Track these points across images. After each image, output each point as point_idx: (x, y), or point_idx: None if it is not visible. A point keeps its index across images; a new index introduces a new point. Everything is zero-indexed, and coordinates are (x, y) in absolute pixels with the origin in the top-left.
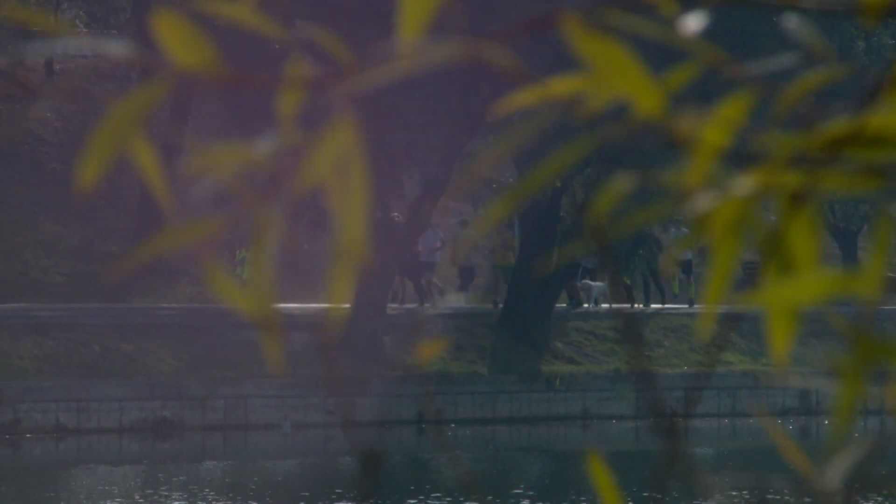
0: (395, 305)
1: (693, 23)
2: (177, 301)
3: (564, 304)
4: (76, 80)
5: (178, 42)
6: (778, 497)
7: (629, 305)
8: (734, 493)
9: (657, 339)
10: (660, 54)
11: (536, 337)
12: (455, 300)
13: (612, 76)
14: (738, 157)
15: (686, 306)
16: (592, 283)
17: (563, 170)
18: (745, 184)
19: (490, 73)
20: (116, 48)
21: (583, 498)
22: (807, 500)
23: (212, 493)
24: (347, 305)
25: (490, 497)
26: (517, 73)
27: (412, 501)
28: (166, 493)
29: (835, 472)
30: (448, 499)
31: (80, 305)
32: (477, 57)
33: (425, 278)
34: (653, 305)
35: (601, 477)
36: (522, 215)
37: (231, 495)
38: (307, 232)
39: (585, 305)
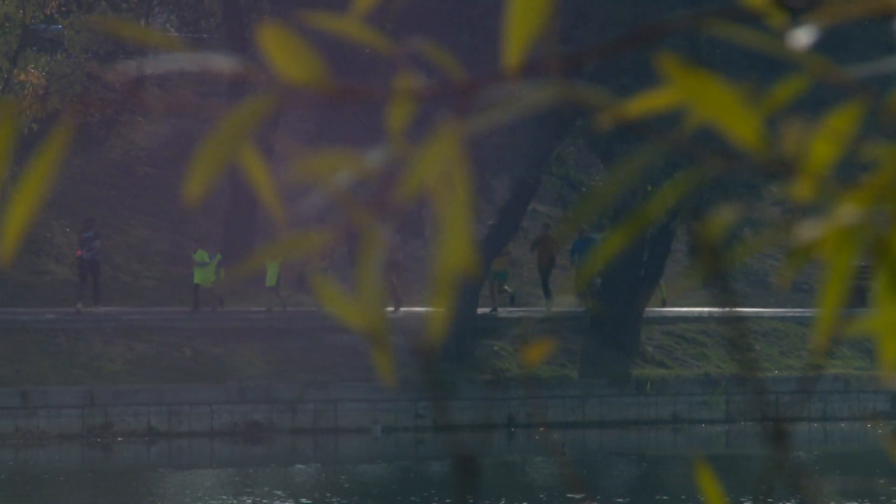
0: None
1: (803, 35)
2: (268, 305)
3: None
4: (168, 87)
5: (285, 55)
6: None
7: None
8: (842, 498)
9: (748, 342)
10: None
11: (626, 340)
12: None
13: (708, 110)
14: (847, 169)
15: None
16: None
17: (641, 175)
18: (852, 207)
19: (581, 77)
20: (222, 63)
21: (673, 501)
22: None
23: (302, 497)
24: (450, 313)
25: (593, 496)
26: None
27: None
28: (257, 497)
29: None
30: (543, 501)
31: (172, 309)
32: (574, 98)
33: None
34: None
35: (708, 483)
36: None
37: (321, 499)
38: (397, 236)
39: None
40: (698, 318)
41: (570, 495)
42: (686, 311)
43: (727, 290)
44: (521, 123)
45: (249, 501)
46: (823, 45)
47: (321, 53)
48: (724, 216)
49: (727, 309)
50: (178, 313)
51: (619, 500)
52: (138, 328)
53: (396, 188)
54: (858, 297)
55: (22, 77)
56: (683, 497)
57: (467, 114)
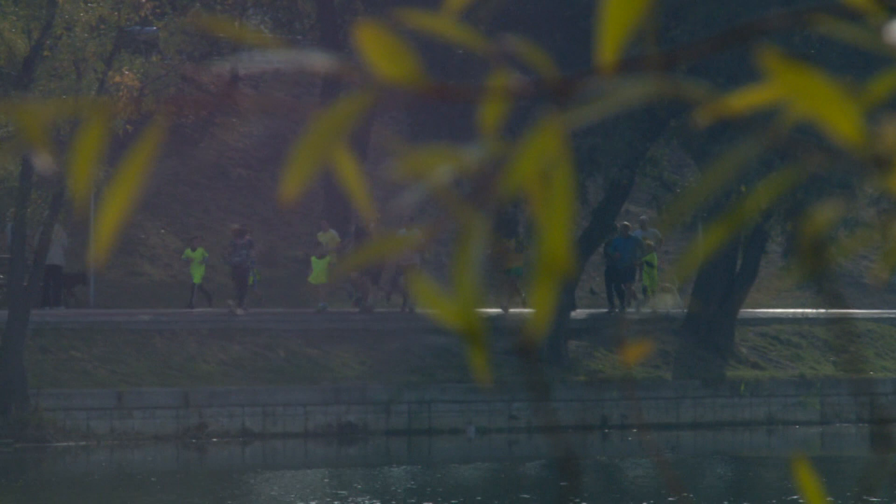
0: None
1: None
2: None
3: (605, 309)
4: (262, 87)
5: (381, 53)
6: None
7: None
8: None
9: (840, 344)
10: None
11: (720, 342)
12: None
13: (809, 105)
14: None
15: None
16: (665, 294)
17: (737, 174)
18: None
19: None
20: (317, 60)
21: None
22: None
23: (396, 498)
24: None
25: (689, 497)
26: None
27: None
28: (351, 498)
29: None
30: (639, 502)
31: (266, 310)
32: (673, 92)
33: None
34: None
35: (807, 481)
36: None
37: (415, 500)
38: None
39: (640, 310)
40: (793, 319)
41: (670, 498)
42: (780, 313)
43: (829, 291)
44: (615, 124)
45: (343, 503)
46: None
47: (416, 51)
48: (825, 214)
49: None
50: (271, 314)
51: (713, 501)
52: (233, 329)
53: (495, 185)
54: None
55: (116, 79)
56: (775, 501)
57: (565, 111)
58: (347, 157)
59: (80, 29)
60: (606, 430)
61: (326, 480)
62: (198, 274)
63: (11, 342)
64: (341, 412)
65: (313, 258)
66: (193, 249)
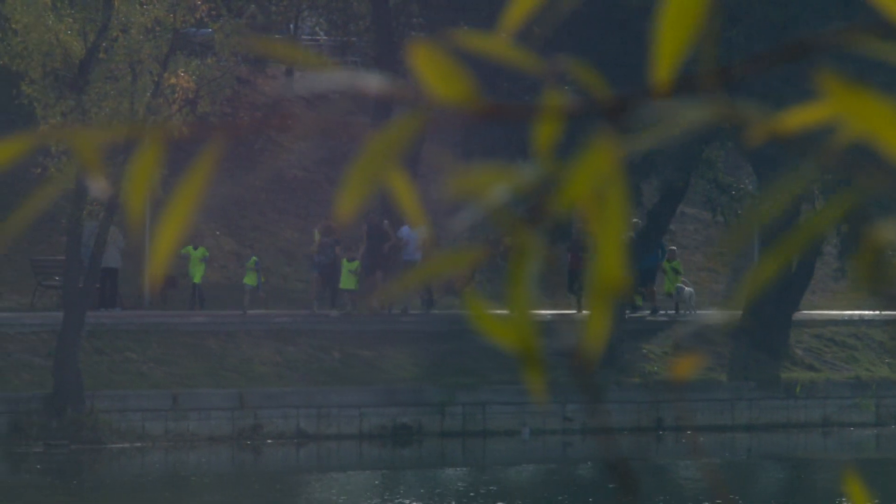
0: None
1: None
2: (414, 307)
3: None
4: (315, 101)
5: (436, 74)
6: None
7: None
8: None
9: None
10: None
11: (775, 344)
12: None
13: (865, 125)
14: None
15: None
16: (685, 288)
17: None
18: None
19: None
20: (372, 82)
21: None
22: None
23: (450, 500)
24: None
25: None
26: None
27: None
28: (405, 500)
29: None
30: None
31: (321, 312)
32: (733, 116)
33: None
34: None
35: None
36: None
37: (469, 502)
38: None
39: (662, 312)
40: (848, 321)
41: (718, 502)
42: (836, 314)
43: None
44: None
45: None
46: None
47: (469, 69)
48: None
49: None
50: (326, 316)
51: (768, 502)
52: (288, 331)
53: (549, 204)
54: None
55: (172, 81)
56: (832, 501)
57: (622, 130)
58: (402, 178)
59: (136, 31)
60: (661, 433)
61: (380, 482)
62: (198, 273)
63: (67, 344)
64: (396, 414)
65: (344, 261)
66: (195, 248)
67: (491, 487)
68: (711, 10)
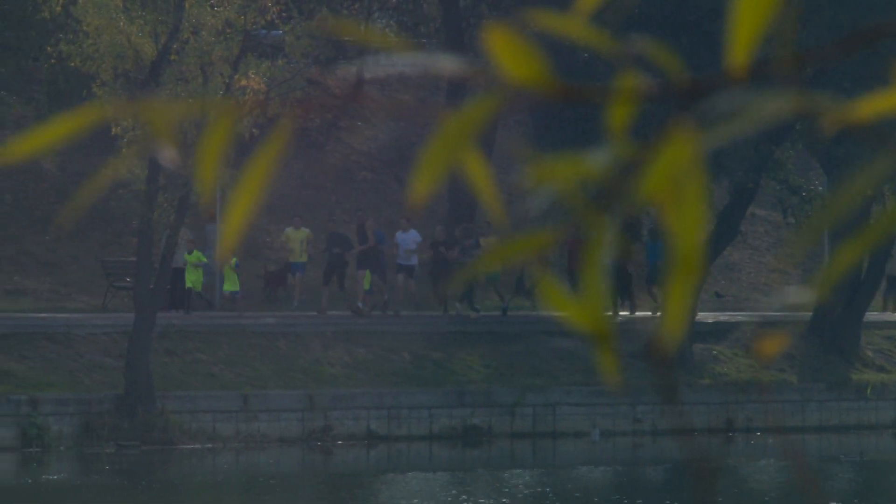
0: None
1: None
2: (484, 309)
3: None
4: (388, 91)
5: (510, 55)
6: None
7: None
8: None
9: None
10: None
11: (846, 345)
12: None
13: None
14: None
15: None
16: None
17: (877, 183)
18: None
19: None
20: (445, 63)
21: None
22: None
23: (521, 501)
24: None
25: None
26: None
27: None
28: (475, 501)
29: None
30: None
31: (391, 313)
32: (810, 109)
33: (407, 284)
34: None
35: None
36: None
37: (539, 503)
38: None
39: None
40: None
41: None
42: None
43: None
44: None
45: None
46: None
47: (543, 52)
48: None
49: None
50: (396, 317)
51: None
52: (358, 332)
53: (625, 191)
54: None
55: (243, 82)
56: None
57: (698, 116)
58: (477, 160)
59: (207, 33)
60: (731, 434)
61: (450, 483)
62: (191, 278)
63: (138, 345)
64: (466, 415)
65: None
66: (190, 252)
67: (560, 489)
68: None
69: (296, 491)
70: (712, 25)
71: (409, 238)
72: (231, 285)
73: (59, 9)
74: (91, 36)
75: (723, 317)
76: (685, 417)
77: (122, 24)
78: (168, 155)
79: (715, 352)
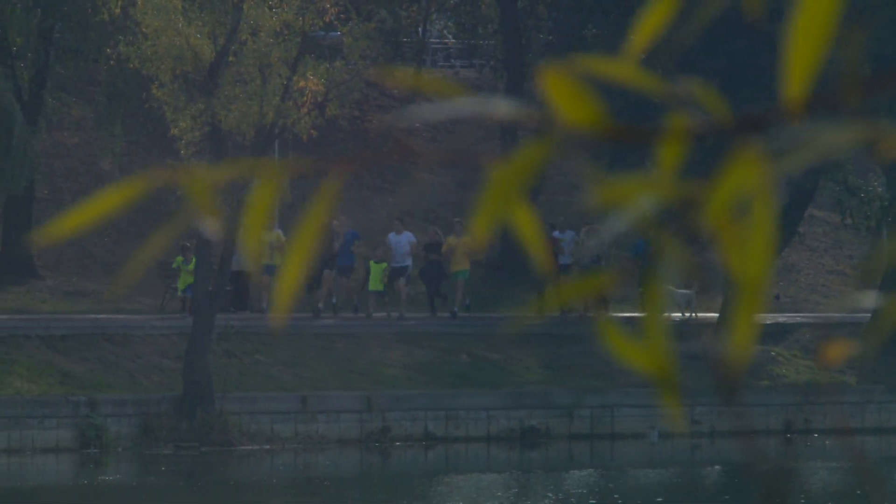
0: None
1: None
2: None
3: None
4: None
5: (565, 97)
6: None
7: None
8: None
9: None
10: None
11: None
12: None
13: None
14: None
15: None
16: (676, 290)
17: None
18: None
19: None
20: (499, 108)
21: None
22: None
23: (578, 503)
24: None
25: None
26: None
27: None
28: (533, 502)
29: None
30: None
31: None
32: (876, 139)
33: (397, 285)
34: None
35: None
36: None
37: None
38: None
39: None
40: None
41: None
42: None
43: None
44: None
45: None
46: None
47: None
48: None
49: None
50: (454, 319)
51: None
52: (416, 334)
53: (693, 216)
54: None
55: (301, 84)
56: None
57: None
58: (525, 213)
59: (265, 34)
60: (789, 436)
61: (508, 484)
62: (187, 282)
63: (197, 347)
64: (524, 416)
65: (371, 262)
66: (188, 262)
67: (619, 490)
68: (847, 18)
69: (354, 492)
70: (771, 30)
71: (402, 240)
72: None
73: (118, 11)
74: (150, 38)
75: (781, 318)
76: (744, 419)
77: (180, 25)
78: (210, 227)
79: (773, 353)
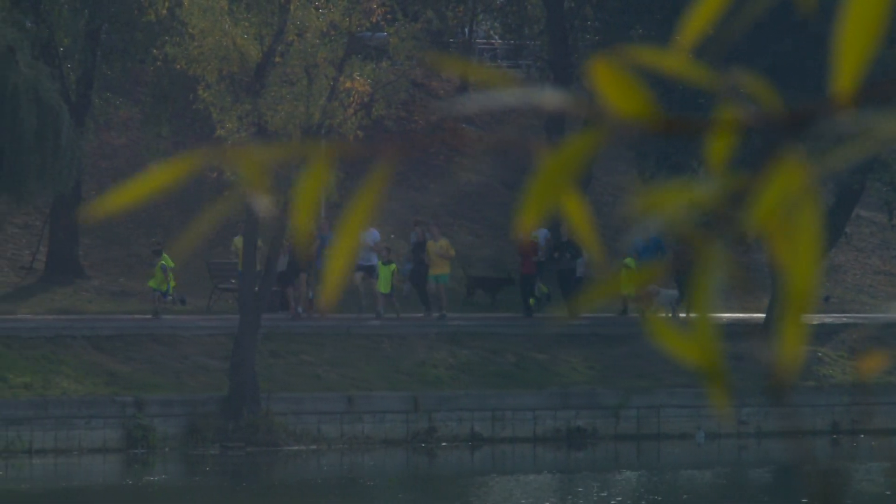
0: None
1: None
2: (589, 311)
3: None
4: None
5: (614, 89)
6: None
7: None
8: None
9: None
10: None
11: None
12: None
13: None
14: None
15: None
16: (661, 290)
17: None
18: None
19: None
20: (548, 98)
21: None
22: None
23: (625, 503)
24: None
25: None
26: None
27: None
28: (579, 503)
29: None
30: None
31: (495, 315)
32: None
33: (364, 284)
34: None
35: None
36: None
37: None
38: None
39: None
40: None
41: None
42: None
43: None
44: None
45: None
46: None
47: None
48: None
49: None
50: (501, 319)
51: None
52: (462, 334)
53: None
54: None
55: (347, 84)
56: None
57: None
58: (576, 200)
59: (312, 35)
60: (835, 436)
61: (554, 485)
62: (161, 279)
63: (243, 347)
64: (570, 417)
65: (379, 263)
66: (161, 256)
67: (665, 491)
68: None
69: (400, 493)
70: (821, 26)
71: (367, 237)
72: (157, 283)
73: (164, 11)
74: (196, 38)
75: (828, 319)
76: (790, 420)
77: (227, 26)
78: (263, 204)
79: (820, 354)
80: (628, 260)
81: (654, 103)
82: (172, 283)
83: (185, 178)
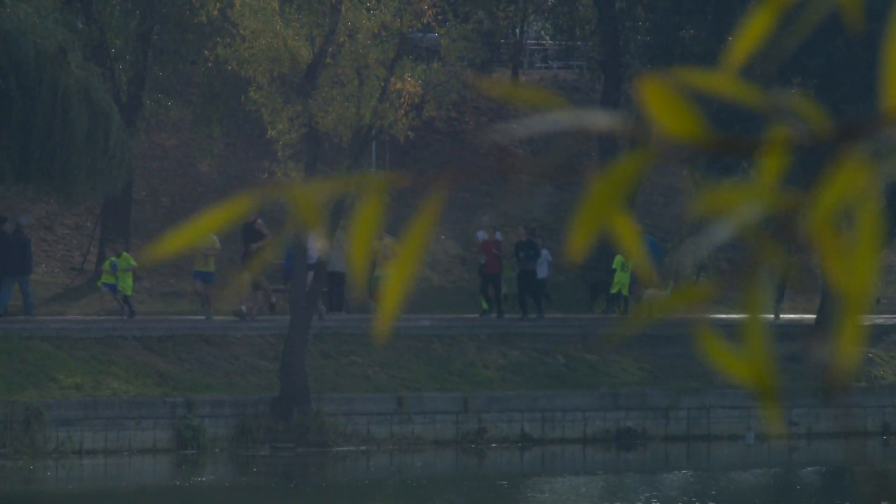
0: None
1: None
2: (645, 328)
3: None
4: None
5: (665, 109)
6: None
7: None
8: None
9: None
10: None
11: None
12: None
13: None
14: None
15: None
16: (648, 290)
17: None
18: None
19: None
20: (599, 120)
21: None
22: None
23: None
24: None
25: None
26: None
27: None
28: None
29: None
30: None
31: (545, 316)
32: None
33: (337, 291)
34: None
35: None
36: None
37: None
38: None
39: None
40: None
41: None
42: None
43: None
44: None
45: None
46: None
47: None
48: None
49: None
50: (550, 319)
51: None
52: (512, 335)
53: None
54: None
55: (398, 85)
56: None
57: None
58: (626, 223)
59: (363, 36)
60: (886, 437)
61: (604, 486)
62: (128, 284)
63: (294, 348)
64: (620, 418)
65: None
66: (118, 255)
67: (715, 492)
68: None
69: (450, 493)
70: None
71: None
72: (110, 281)
73: (216, 13)
74: (247, 39)
75: (879, 320)
76: (841, 421)
77: (278, 27)
78: (319, 244)
79: (871, 355)
80: (618, 258)
81: (704, 123)
82: (129, 282)
83: (243, 217)
